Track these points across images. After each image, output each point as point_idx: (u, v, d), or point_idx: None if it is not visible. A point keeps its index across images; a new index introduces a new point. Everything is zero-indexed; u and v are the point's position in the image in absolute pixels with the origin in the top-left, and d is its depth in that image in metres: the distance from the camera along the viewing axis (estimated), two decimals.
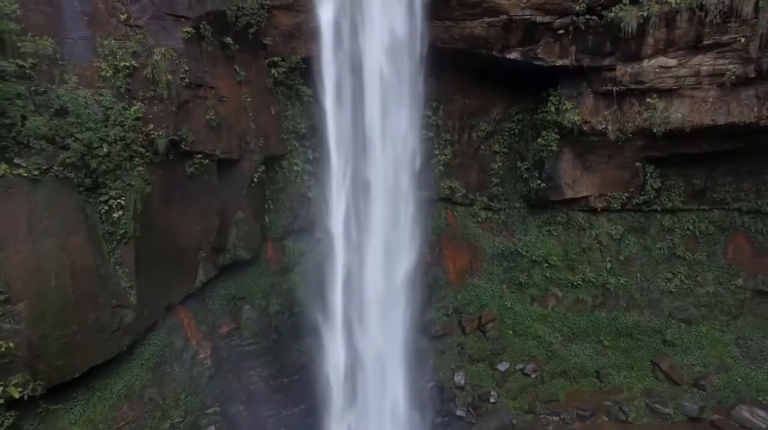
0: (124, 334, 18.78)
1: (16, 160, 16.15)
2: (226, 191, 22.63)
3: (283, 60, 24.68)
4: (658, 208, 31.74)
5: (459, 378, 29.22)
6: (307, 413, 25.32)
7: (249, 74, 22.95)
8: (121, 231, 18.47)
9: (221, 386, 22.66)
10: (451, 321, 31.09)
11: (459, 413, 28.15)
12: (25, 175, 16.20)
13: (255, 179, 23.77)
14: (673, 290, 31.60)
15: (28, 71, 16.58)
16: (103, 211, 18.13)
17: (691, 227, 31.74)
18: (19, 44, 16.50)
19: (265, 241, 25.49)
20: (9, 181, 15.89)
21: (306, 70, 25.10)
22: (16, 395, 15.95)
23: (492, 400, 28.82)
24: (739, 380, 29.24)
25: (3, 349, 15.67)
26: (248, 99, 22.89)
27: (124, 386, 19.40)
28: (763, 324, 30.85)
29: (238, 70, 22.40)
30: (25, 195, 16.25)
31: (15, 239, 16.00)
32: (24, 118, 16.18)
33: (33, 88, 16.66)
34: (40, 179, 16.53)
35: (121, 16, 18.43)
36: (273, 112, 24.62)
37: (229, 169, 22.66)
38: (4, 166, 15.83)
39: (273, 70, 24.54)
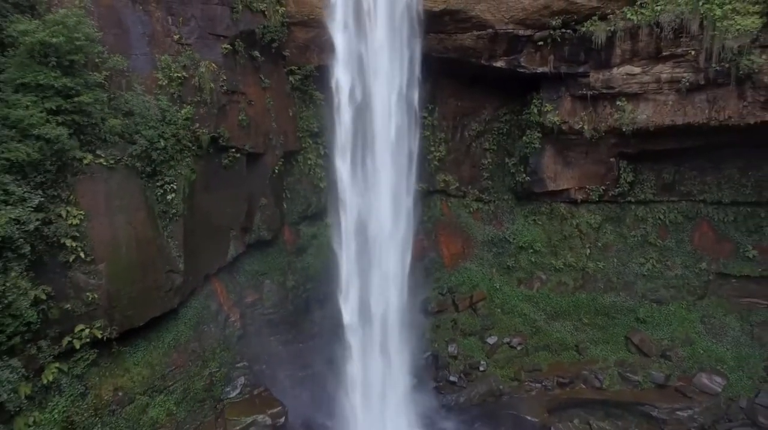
0: (174, 294, 24.38)
1: (98, 152, 21.74)
2: (252, 181, 28.37)
3: (299, 69, 30.46)
4: (632, 200, 37.41)
5: (452, 349, 34.85)
6: (319, 375, 30.79)
7: (271, 81, 28.72)
8: (173, 210, 24.08)
9: (248, 346, 28.25)
10: (445, 299, 36.77)
11: (452, 378, 33.73)
12: (104, 164, 21.80)
13: (276, 171, 29.56)
14: (646, 273, 37.20)
15: (103, 82, 22.17)
16: (159, 193, 23.74)
17: (661, 217, 37.38)
18: (97, 60, 22.13)
19: (283, 225, 31.22)
20: (93, 168, 21.47)
21: (318, 77, 30.82)
22: (99, 335, 21.53)
23: (482, 368, 34.40)
24: (702, 352, 34.79)
25: (89, 298, 21.25)
26: (271, 102, 28.62)
27: (172, 339, 25.01)
28: (724, 303, 36.42)
29: (263, 78, 28.16)
30: (104, 180, 21.84)
31: (97, 214, 21.57)
32: (103, 119, 21.80)
33: (108, 95, 22.24)
34: (115, 167, 22.14)
35: (174, 36, 24.13)
36: (290, 114, 30.37)
37: (255, 162, 28.42)
38: (90, 156, 21.42)
39: (290, 78, 30.35)
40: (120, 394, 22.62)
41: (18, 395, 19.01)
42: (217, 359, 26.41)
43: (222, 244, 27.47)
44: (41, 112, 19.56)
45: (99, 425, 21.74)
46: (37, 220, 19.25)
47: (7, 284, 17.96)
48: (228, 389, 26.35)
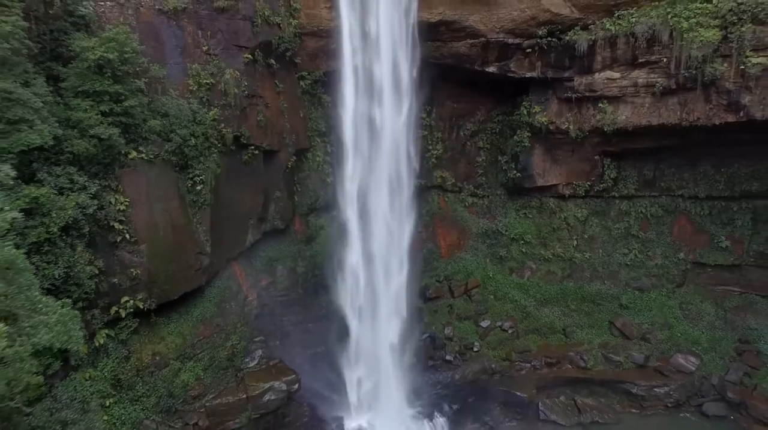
0: (202, 273, 29.00)
1: (140, 148, 26.35)
2: (268, 175, 33.09)
3: (308, 74, 35.20)
4: (616, 195, 42.12)
5: (448, 331, 39.51)
6: (325, 353, 35.34)
7: (285, 86, 33.42)
8: (201, 200, 28.71)
9: (263, 324, 32.87)
10: (442, 286, 41.48)
11: (448, 358, 38.34)
12: (145, 158, 26.42)
13: (288, 167, 34.30)
14: (629, 263, 41.93)
15: (144, 87, 26.77)
16: (189, 185, 28.36)
17: (643, 211, 42.09)
18: (138, 69, 26.74)
19: (294, 216, 35.95)
20: (136, 162, 26.08)
21: (326, 82, 35.48)
22: (141, 306, 26.14)
23: (475, 349, 39.03)
24: (679, 335, 39.54)
25: (133, 274, 25.88)
26: (284, 105, 33.33)
27: (199, 314, 29.65)
28: (701, 291, 41.23)
29: (277, 83, 32.86)
30: (144, 172, 26.45)
31: (139, 201, 26.17)
32: (144, 120, 26.42)
33: (148, 99, 26.85)
34: (153, 161, 26.75)
35: (203, 47, 28.80)
36: (301, 115, 35.07)
37: (270, 159, 33.13)
38: (134, 152, 26.04)
39: (301, 82, 35.12)
40: (157, 358, 27.24)
41: (79, 353, 23.56)
42: (238, 333, 31.04)
43: (241, 231, 32.16)
44: (96, 114, 24.17)
45: (140, 384, 26.35)
46: (94, 205, 23.85)
47: (75, 257, 22.57)
48: (247, 359, 31.01)
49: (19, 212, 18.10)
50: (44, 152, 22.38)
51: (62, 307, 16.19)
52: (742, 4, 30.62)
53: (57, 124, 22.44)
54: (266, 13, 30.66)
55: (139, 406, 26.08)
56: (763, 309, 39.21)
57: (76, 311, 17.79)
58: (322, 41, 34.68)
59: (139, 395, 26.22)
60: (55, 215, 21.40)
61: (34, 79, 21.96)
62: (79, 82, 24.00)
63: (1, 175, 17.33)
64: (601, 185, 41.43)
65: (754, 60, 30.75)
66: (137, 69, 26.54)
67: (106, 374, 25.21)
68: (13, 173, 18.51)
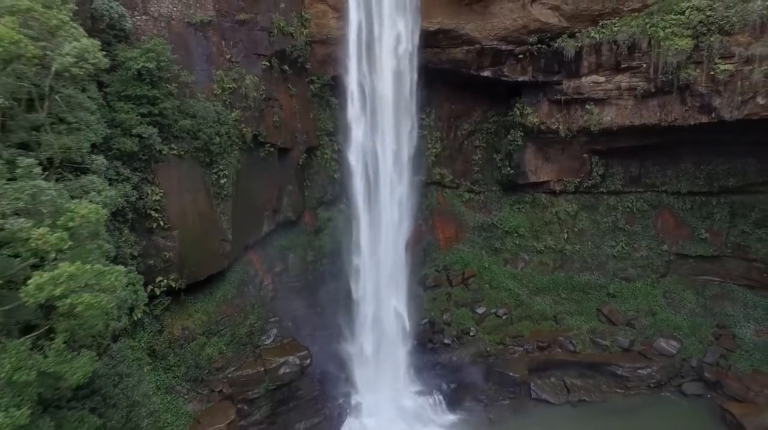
0: (225, 258, 33.67)
1: (172, 145, 30.98)
2: (281, 171, 37.83)
3: (318, 78, 39.94)
4: (604, 191, 46.88)
5: (447, 317, 44.18)
6: (333, 335, 39.97)
7: (297, 89, 38.16)
8: (224, 192, 33.36)
9: (277, 306, 37.53)
10: (441, 276, 46.20)
11: (446, 341, 43.01)
12: (177, 154, 31.06)
13: (300, 163, 39.10)
14: (616, 254, 46.69)
15: (175, 91, 31.39)
16: (214, 178, 33.00)
17: (629, 206, 46.87)
18: (169, 75, 31.37)
19: (305, 208, 40.64)
20: (169, 157, 30.71)
21: (334, 86, 40.19)
22: (173, 285, 30.78)
23: (472, 333, 43.68)
24: (662, 321, 44.32)
25: (166, 257, 30.55)
26: (296, 107, 38.06)
27: (221, 295, 34.31)
28: (683, 280, 46.02)
29: (290, 86, 37.61)
30: (176, 167, 31.09)
31: (171, 193, 30.80)
32: (176, 120, 31.06)
33: (178, 102, 31.48)
34: (183, 157, 31.39)
35: (226, 56, 33.49)
36: (311, 116, 39.82)
37: (284, 156, 37.89)
38: (167, 148, 30.68)
39: (311, 86, 39.88)
40: (186, 333, 31.90)
41: (121, 323, 28.17)
42: (255, 313, 35.71)
43: (258, 221, 36.86)
44: (137, 115, 28.82)
45: (171, 355, 30.98)
46: (135, 195, 28.48)
47: (122, 240, 27.22)
48: (264, 337, 35.69)
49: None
50: (95, 148, 27.02)
51: (129, 272, 20.76)
52: (710, 16, 35.36)
53: (105, 125, 27.09)
54: (281, 24, 35.39)
55: (171, 374, 30.71)
56: (740, 297, 44.01)
57: (141, 276, 22.35)
58: (330, 48, 39.37)
59: (170, 364, 30.84)
60: (109, 202, 26.06)
61: (89, 84, 26.59)
62: (122, 87, 28.64)
63: (98, 163, 22.17)
64: (590, 182, 46.15)
65: (722, 67, 35.45)
66: (169, 75, 31.19)
67: (142, 344, 29.81)
68: (106, 163, 23.26)
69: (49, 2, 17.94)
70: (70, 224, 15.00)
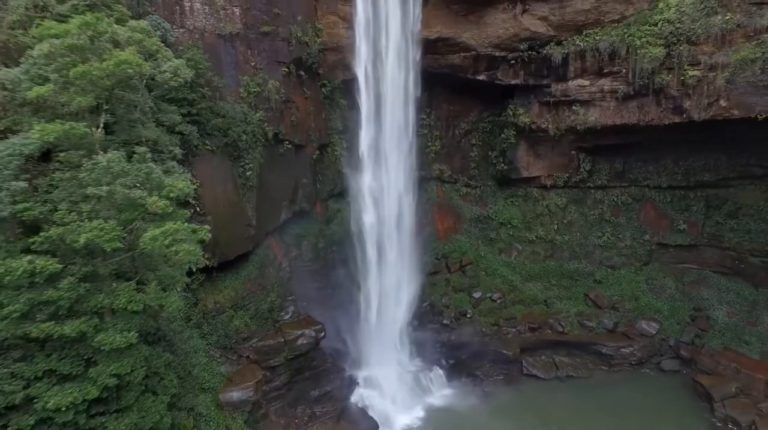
0: (250, 241, 40.31)
1: (206, 142, 37.58)
2: (297, 165, 44.55)
3: (329, 82, 46.73)
4: (591, 185, 53.68)
5: (445, 301, 50.85)
6: (342, 314, 46.50)
7: (311, 92, 44.91)
8: (249, 183, 39.99)
9: (293, 287, 44.15)
10: (440, 263, 53.00)
11: (445, 322, 49.68)
12: (210, 149, 37.66)
13: (313, 159, 45.85)
14: (602, 244, 53.47)
15: (208, 94, 37.96)
16: (240, 171, 39.63)
17: (615, 199, 53.67)
18: (202, 80, 37.98)
19: (317, 200, 47.31)
20: (204, 152, 37.31)
21: (343, 89, 46.94)
22: (208, 263, 37.20)
23: (469, 315, 50.32)
24: (644, 305, 51.01)
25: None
26: (310, 108, 44.81)
27: (246, 274, 40.95)
28: (664, 268, 52.77)
29: (305, 90, 44.38)
30: (209, 160, 37.71)
31: (206, 183, 37.34)
32: (208, 120, 37.69)
33: (211, 103, 38.08)
34: (215, 152, 38.00)
35: (251, 63, 40.22)
36: (323, 116, 46.59)
37: (299, 152, 44.62)
38: (202, 144, 37.26)
39: (323, 89, 46.67)
40: (217, 306, 38.46)
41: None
42: (275, 292, 42.30)
43: (277, 210, 43.55)
44: (179, 115, 35.39)
45: (205, 325, 37.52)
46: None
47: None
48: (282, 313, 42.25)
49: None
50: (147, 143, 33.63)
51: None
52: (678, 28, 42.15)
53: (154, 123, 33.70)
54: (299, 35, 42.20)
55: (204, 341, 37.23)
56: (715, 283, 50.77)
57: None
58: (340, 55, 46.15)
59: (204, 332, 37.40)
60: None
61: (140, 87, 33.16)
62: (167, 91, 35.25)
63: (176, 152, 28.92)
64: (578, 177, 52.97)
65: (691, 72, 42.21)
66: (203, 80, 37.85)
67: (180, 314, 36.27)
68: (181, 152, 29.97)
69: (147, 31, 24.66)
70: (171, 195, 21.65)
